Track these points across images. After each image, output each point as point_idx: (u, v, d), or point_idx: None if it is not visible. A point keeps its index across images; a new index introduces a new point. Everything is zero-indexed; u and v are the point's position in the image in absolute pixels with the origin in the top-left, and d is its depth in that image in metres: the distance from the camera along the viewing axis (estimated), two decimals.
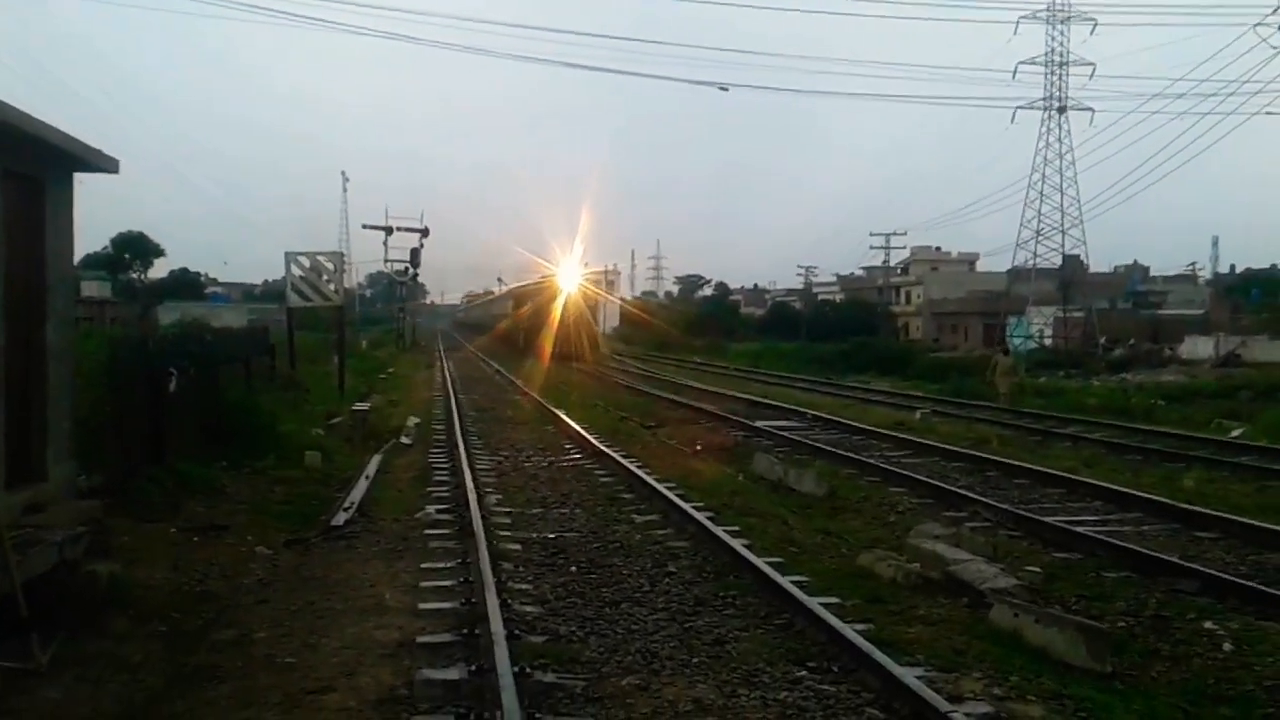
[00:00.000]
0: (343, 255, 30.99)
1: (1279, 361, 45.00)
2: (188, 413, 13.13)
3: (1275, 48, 30.10)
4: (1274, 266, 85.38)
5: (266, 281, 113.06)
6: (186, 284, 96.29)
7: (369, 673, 6.47)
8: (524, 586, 8.51)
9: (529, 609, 7.82)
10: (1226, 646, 7.22)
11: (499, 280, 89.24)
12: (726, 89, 74.56)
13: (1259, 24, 30.81)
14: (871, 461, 15.57)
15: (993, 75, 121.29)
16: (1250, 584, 8.61)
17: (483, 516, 10.79)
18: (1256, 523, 11.00)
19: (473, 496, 11.78)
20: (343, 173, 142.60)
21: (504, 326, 64.13)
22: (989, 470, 15.14)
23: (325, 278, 25.23)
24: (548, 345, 45.86)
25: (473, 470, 14.03)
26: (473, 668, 6.39)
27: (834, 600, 7.96)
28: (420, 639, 7.07)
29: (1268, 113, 36.96)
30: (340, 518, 11.11)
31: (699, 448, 17.45)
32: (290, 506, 11.85)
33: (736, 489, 13.42)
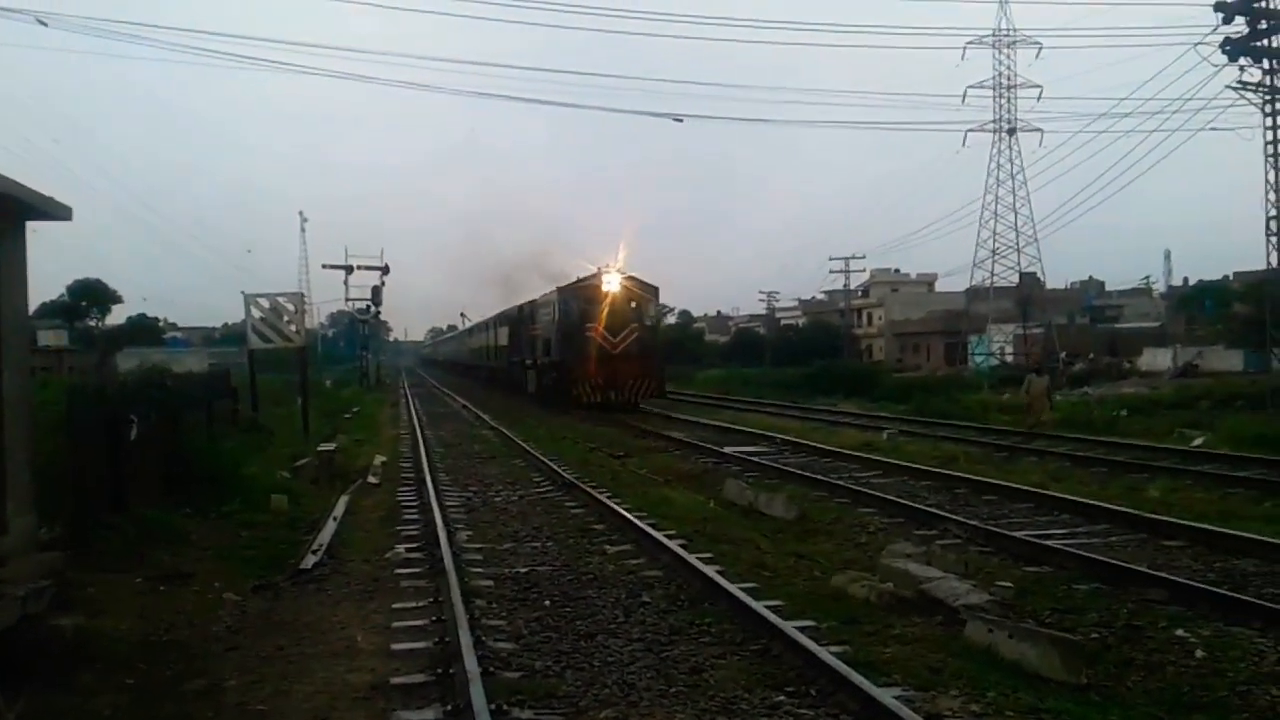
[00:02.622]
0: (303, 296, 30.66)
1: (1235, 370, 45.93)
2: (150, 460, 12.91)
3: (1216, 65, 30.77)
4: (1226, 278, 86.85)
5: (226, 325, 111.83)
6: (145, 330, 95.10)
7: (342, 717, 6.36)
8: (498, 623, 8.42)
9: (503, 645, 7.74)
10: (1199, 653, 7.28)
11: (462, 315, 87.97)
12: (681, 120, 74.81)
13: (1199, 43, 31.50)
14: (841, 483, 15.62)
15: (943, 100, 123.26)
16: (1219, 590, 8.71)
17: (453, 554, 10.69)
18: (1221, 529, 11.18)
19: (443, 534, 11.67)
20: (300, 213, 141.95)
21: (496, 364, 50.14)
22: (957, 488, 15.24)
23: (286, 319, 25.02)
24: (584, 386, 31.94)
25: (442, 507, 13.89)
26: (448, 707, 6.31)
27: (809, 623, 7.96)
28: (394, 680, 6.97)
29: (1211, 128, 37.68)
30: (309, 560, 10.95)
31: (669, 477, 17.41)
32: (257, 551, 11.65)
33: (708, 516, 13.39)
